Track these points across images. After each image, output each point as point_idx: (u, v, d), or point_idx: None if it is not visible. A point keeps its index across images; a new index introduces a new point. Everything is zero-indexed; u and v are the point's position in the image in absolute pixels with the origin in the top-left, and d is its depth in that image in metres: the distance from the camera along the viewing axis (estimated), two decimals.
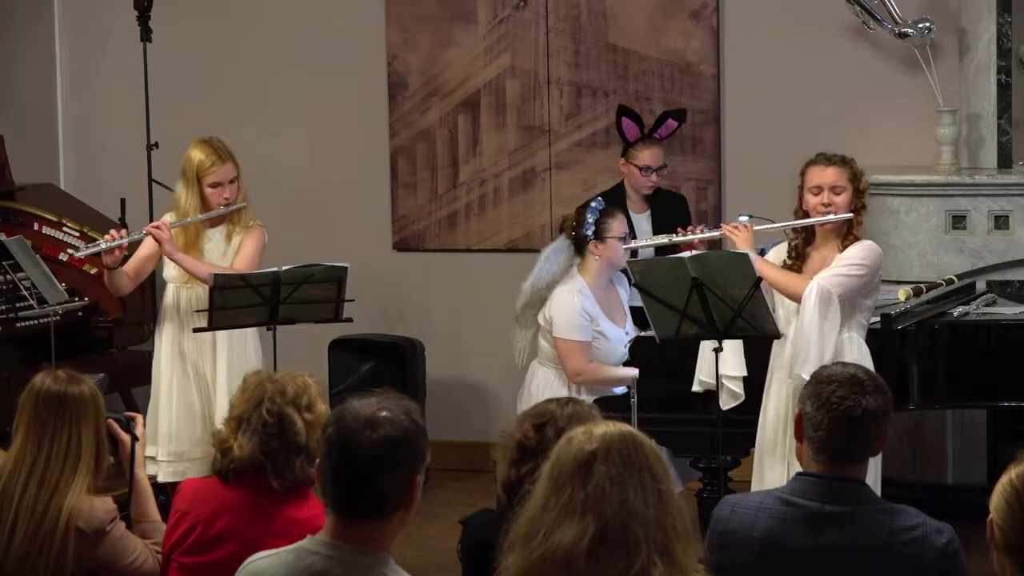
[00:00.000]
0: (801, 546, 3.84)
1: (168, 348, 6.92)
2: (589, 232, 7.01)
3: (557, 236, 7.30)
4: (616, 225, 7.05)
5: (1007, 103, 8.09)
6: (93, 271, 8.50)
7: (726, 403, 6.31)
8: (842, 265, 6.03)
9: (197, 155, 6.91)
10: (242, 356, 6.81)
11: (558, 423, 4.01)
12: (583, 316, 6.96)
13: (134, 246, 7.07)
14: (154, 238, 6.80)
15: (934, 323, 6.85)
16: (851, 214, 6.10)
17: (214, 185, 6.86)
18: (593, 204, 7.10)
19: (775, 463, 6.10)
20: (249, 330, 6.90)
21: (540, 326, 7.12)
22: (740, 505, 3.95)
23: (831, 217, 6.09)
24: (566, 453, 3.13)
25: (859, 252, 6.08)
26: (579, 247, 7.07)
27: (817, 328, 5.90)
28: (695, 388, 6.37)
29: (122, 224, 8.87)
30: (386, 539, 3.25)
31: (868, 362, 5.94)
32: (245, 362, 6.72)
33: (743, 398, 6.29)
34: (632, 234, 7.45)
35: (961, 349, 6.79)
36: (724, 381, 6.26)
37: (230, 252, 6.93)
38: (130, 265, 6.96)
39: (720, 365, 6.12)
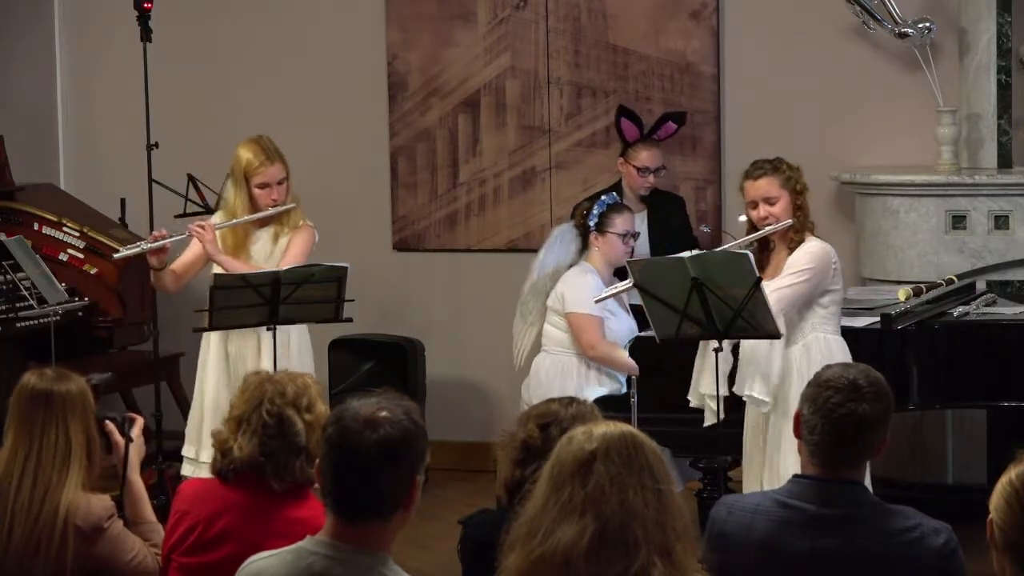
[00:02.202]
0: (798, 549, 3.84)
1: (215, 351, 6.83)
2: (592, 223, 7.06)
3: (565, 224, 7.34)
4: (619, 222, 7.08)
5: (1007, 103, 8.09)
6: (93, 271, 8.50)
7: (708, 420, 6.30)
8: (785, 276, 6.05)
9: (245, 154, 6.79)
10: (284, 359, 6.67)
11: (562, 423, 4.01)
12: (595, 293, 7.00)
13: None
14: (197, 238, 6.73)
15: (934, 323, 6.85)
16: (790, 220, 6.10)
17: (262, 186, 6.75)
18: (604, 197, 7.15)
19: (752, 472, 6.14)
20: (294, 332, 6.83)
21: (545, 316, 7.15)
22: (737, 507, 3.95)
23: (770, 228, 6.10)
24: (566, 452, 3.13)
25: (803, 258, 6.09)
26: (583, 236, 7.13)
27: (763, 348, 5.94)
28: (693, 403, 6.34)
29: (123, 224, 8.89)
30: (386, 539, 3.25)
31: (844, 356, 5.99)
32: (289, 364, 6.53)
33: (722, 417, 6.25)
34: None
35: (961, 349, 6.79)
36: (707, 400, 6.25)
37: (276, 253, 6.82)
38: (177, 263, 6.85)
39: (703, 385, 6.14)
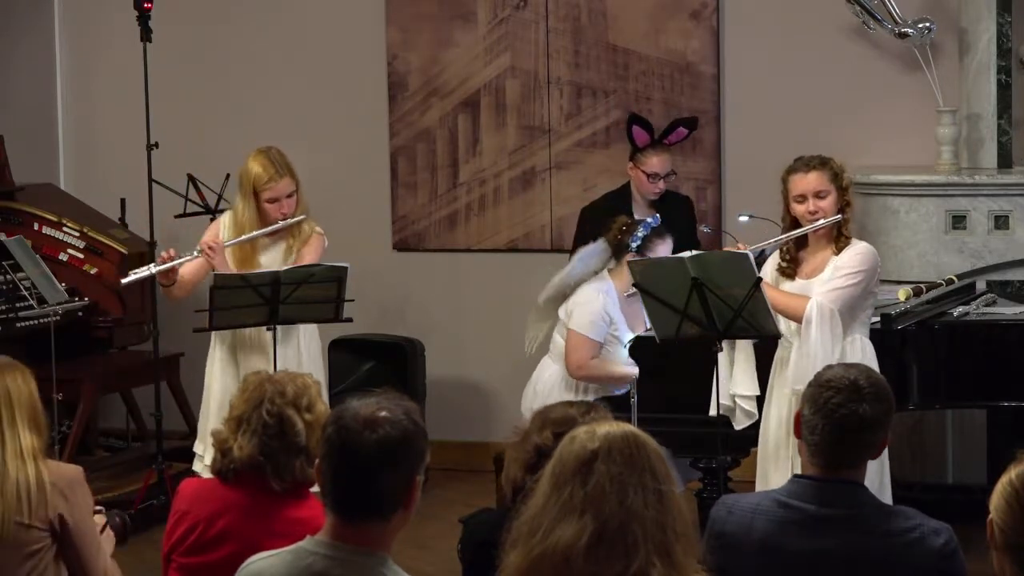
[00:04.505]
0: (799, 549, 3.83)
1: (221, 353, 6.82)
2: (634, 244, 6.98)
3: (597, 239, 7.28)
4: (662, 248, 7.00)
5: (1007, 103, 8.09)
6: (93, 271, 8.50)
7: (740, 423, 6.29)
8: (839, 276, 6.02)
9: (255, 168, 6.76)
10: (294, 362, 6.68)
11: None
12: (603, 317, 6.96)
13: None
14: (207, 261, 6.70)
15: (934, 323, 6.85)
16: (839, 215, 6.09)
17: (271, 200, 6.74)
18: (650, 220, 7.09)
19: (779, 468, 6.09)
20: (303, 335, 6.83)
21: (558, 320, 7.12)
22: (737, 507, 3.95)
23: (820, 223, 6.07)
24: (568, 451, 3.13)
25: (854, 259, 6.07)
26: (617, 253, 7.05)
27: (822, 348, 5.91)
28: (713, 412, 6.32)
29: (123, 224, 8.88)
30: (386, 539, 3.25)
31: (872, 360, 5.95)
32: (297, 367, 6.51)
33: (757, 417, 6.26)
34: None
35: (961, 349, 6.79)
36: (738, 401, 6.24)
37: (288, 264, 6.80)
38: (185, 271, 6.82)
39: (733, 385, 6.12)
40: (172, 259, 6.69)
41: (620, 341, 7.01)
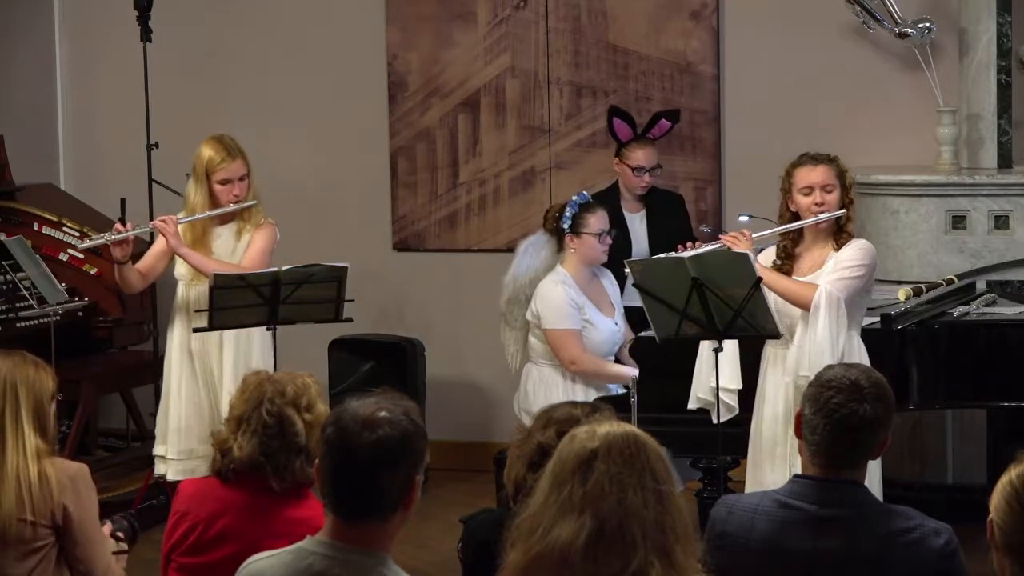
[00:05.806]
0: (799, 549, 3.83)
1: (178, 346, 6.89)
2: (565, 225, 7.02)
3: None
4: (593, 221, 7.03)
5: (1007, 103, 8.09)
6: (93, 271, 8.50)
7: (722, 416, 6.28)
8: (843, 268, 6.03)
9: (207, 151, 6.86)
10: (247, 354, 6.76)
11: None
12: (570, 304, 6.97)
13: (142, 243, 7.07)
14: (159, 232, 6.79)
15: (934, 323, 6.85)
16: (842, 211, 6.11)
17: (223, 182, 6.81)
18: (575, 198, 7.11)
19: (775, 466, 6.08)
20: (255, 332, 6.86)
21: (529, 325, 7.12)
22: (737, 507, 3.95)
23: (825, 216, 6.08)
24: (568, 450, 3.13)
25: (857, 253, 6.08)
26: (558, 239, 7.10)
27: (829, 335, 5.90)
28: (691, 405, 6.32)
29: (122, 224, 8.89)
30: (386, 539, 3.25)
31: (864, 358, 5.96)
32: (250, 360, 6.68)
33: (737, 411, 6.26)
34: (625, 234, 7.47)
35: (961, 349, 6.79)
36: (720, 395, 6.23)
37: (239, 250, 6.87)
38: (141, 263, 6.94)
39: (715, 380, 6.11)
40: (127, 231, 6.76)
41: (593, 324, 7.03)
